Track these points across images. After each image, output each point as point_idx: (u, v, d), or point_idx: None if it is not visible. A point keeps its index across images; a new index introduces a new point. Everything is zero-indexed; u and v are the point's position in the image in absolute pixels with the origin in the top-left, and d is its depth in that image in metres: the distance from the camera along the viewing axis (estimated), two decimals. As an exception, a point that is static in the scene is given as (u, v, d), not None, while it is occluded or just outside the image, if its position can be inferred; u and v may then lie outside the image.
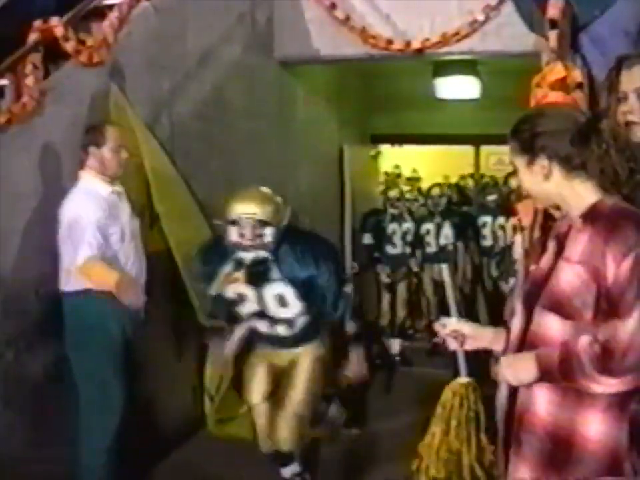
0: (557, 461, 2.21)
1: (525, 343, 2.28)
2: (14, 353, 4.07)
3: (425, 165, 11.43)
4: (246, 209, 4.02)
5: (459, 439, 2.45)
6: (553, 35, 4.11)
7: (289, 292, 4.10)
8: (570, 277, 2.16)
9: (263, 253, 4.03)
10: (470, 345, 2.47)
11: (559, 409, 2.20)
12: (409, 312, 8.13)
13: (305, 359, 4.32)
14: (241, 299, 4.20)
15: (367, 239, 7.95)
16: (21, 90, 4.26)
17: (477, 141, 10.13)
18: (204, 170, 5.68)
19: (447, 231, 7.97)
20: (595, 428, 2.16)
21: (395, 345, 7.75)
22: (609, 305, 2.11)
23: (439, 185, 8.62)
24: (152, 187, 5.01)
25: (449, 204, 8.36)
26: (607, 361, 2.09)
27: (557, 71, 3.90)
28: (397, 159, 11.25)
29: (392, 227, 7.80)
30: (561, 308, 2.19)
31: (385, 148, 10.53)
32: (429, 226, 8.05)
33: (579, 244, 2.18)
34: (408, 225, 7.86)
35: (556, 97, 3.79)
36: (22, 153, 4.22)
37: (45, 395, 4.18)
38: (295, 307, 4.16)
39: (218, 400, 5.62)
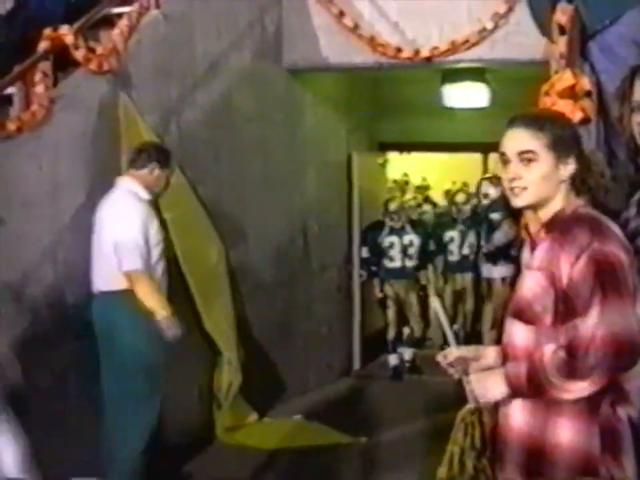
0: (532, 473, 2.21)
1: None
2: (25, 359, 4.07)
3: (433, 172, 11.41)
4: None
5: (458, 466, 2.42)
6: (561, 40, 4.11)
7: None
8: (531, 283, 2.21)
9: None
10: (474, 369, 2.39)
11: (531, 418, 2.20)
12: (424, 322, 8.06)
13: None
14: None
15: (364, 252, 7.88)
16: (30, 98, 4.28)
17: (485, 148, 10.11)
18: (212, 176, 5.69)
19: (471, 240, 7.92)
20: (565, 435, 2.15)
21: (407, 353, 7.73)
22: (566, 307, 2.14)
23: (464, 191, 8.53)
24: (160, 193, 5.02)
25: (474, 211, 8.19)
26: (571, 363, 2.09)
27: (565, 78, 3.90)
28: (405, 166, 11.23)
29: (389, 239, 7.64)
30: (523, 314, 2.23)
31: (393, 155, 10.52)
32: (452, 234, 8.03)
33: (540, 251, 2.23)
34: (410, 237, 7.67)
35: (564, 104, 3.79)
36: (31, 160, 4.23)
37: (56, 399, 4.18)
38: None
39: (227, 408, 5.62)
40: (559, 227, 2.21)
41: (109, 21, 4.97)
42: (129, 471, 4.14)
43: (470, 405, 2.42)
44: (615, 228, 2.21)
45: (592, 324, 2.08)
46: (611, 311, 2.08)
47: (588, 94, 3.90)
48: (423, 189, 10.72)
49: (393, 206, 7.77)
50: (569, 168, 2.25)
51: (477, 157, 10.88)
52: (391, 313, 7.73)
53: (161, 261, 4.35)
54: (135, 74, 4.94)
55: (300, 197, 6.97)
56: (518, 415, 2.24)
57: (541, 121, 2.28)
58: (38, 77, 4.27)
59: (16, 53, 4.44)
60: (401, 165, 11.16)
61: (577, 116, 3.86)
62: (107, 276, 4.21)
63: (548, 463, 2.18)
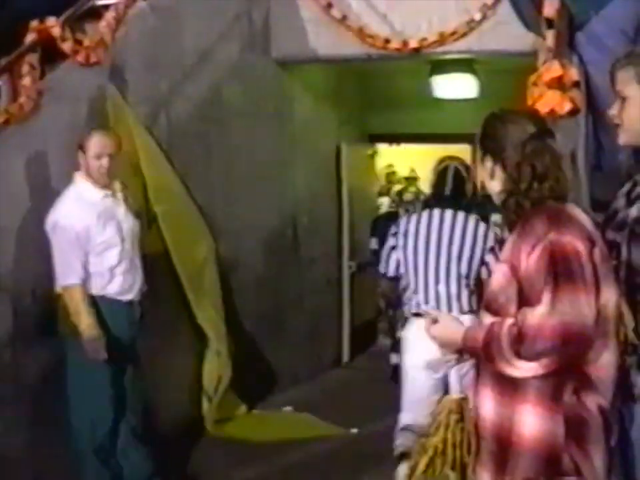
0: (502, 462, 2.24)
1: None
2: (11, 353, 4.06)
3: (423, 164, 11.41)
4: None
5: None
6: (549, 34, 4.12)
7: None
8: (498, 276, 2.28)
9: None
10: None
11: (499, 407, 2.24)
12: None
13: None
14: None
15: (374, 244, 7.66)
16: (17, 90, 4.26)
17: (474, 139, 10.10)
18: (202, 169, 5.68)
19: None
20: (530, 423, 2.18)
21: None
22: (524, 296, 2.18)
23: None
24: (149, 187, 5.01)
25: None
26: (519, 344, 2.12)
27: (553, 69, 3.91)
28: (394, 158, 11.23)
29: None
30: (490, 306, 2.29)
31: (383, 147, 10.51)
32: None
33: (507, 244, 2.30)
34: None
35: (553, 95, 3.80)
36: (19, 153, 4.22)
37: (44, 394, 4.17)
38: None
39: (216, 400, 5.63)
40: (523, 219, 2.26)
41: (96, 13, 4.94)
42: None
43: (453, 395, 2.46)
44: (582, 219, 2.24)
45: (541, 313, 2.11)
46: (562, 301, 2.09)
47: (576, 84, 3.91)
48: (411, 179, 10.72)
49: (408, 196, 7.52)
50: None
51: (466, 147, 10.90)
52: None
53: (122, 263, 4.20)
54: (123, 66, 4.92)
55: (289, 189, 6.97)
56: (487, 405, 2.27)
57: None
58: (25, 69, 4.25)
59: (3, 46, 4.41)
60: (391, 157, 11.16)
61: (565, 107, 3.88)
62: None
63: (514, 452, 2.20)
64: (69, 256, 4.01)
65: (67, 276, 4.02)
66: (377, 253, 7.55)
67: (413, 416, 4.23)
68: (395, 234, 4.42)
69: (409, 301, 4.30)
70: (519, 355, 2.13)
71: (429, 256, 4.22)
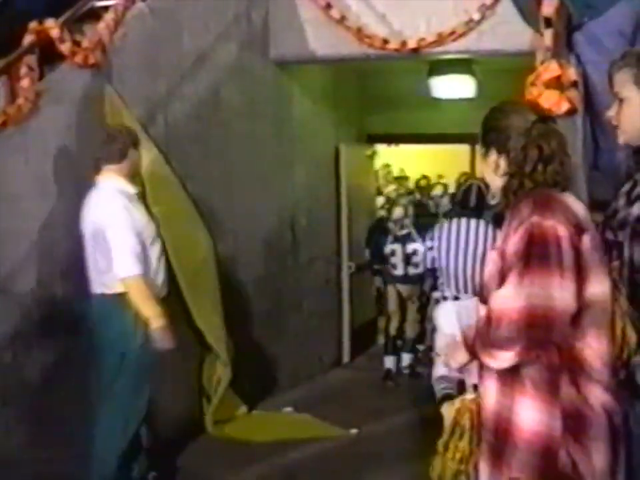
0: (499, 453, 2.21)
1: None
2: (12, 354, 4.07)
3: (421, 164, 11.42)
4: None
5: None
6: (547, 33, 4.12)
7: None
8: (489, 264, 2.27)
9: None
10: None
11: (501, 397, 2.21)
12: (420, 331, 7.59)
13: None
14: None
15: (367, 254, 7.78)
16: (16, 92, 4.25)
17: (473, 139, 10.09)
18: (200, 170, 5.68)
19: None
20: (527, 416, 2.15)
21: (405, 359, 7.38)
22: (503, 279, 2.16)
23: (438, 182, 8.35)
24: (147, 187, 5.00)
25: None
26: (487, 332, 2.12)
27: (551, 69, 3.91)
28: (393, 158, 11.24)
29: (392, 247, 7.22)
30: (482, 296, 2.29)
31: (381, 147, 10.52)
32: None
33: (501, 233, 2.30)
34: (415, 245, 7.12)
35: (551, 95, 3.80)
36: (17, 154, 4.22)
37: (44, 395, 4.18)
38: None
39: (216, 401, 5.63)
40: (512, 204, 2.26)
41: (95, 15, 4.94)
42: (108, 471, 4.10)
43: (468, 395, 2.44)
44: (575, 206, 2.20)
45: (503, 294, 2.10)
46: (532, 284, 2.07)
47: (574, 84, 3.92)
48: (402, 179, 10.71)
49: (397, 212, 7.37)
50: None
51: (464, 147, 10.91)
52: (393, 308, 7.39)
53: (161, 258, 4.31)
54: (122, 67, 4.92)
55: (288, 189, 6.97)
56: (491, 395, 2.25)
57: None
58: (23, 70, 4.25)
59: (1, 47, 4.41)
60: (389, 157, 11.17)
61: (563, 106, 3.88)
62: (106, 279, 4.15)
63: (511, 444, 2.17)
64: (131, 247, 4.03)
65: (130, 267, 4.02)
66: (369, 264, 7.74)
67: (446, 369, 4.53)
68: (432, 238, 5.60)
69: (441, 287, 5.31)
70: (486, 345, 2.12)
71: (458, 255, 5.21)
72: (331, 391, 6.86)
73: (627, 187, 2.50)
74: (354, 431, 5.64)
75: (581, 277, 2.11)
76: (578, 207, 2.21)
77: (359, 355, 8.13)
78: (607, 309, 2.18)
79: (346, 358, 8.07)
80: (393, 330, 7.39)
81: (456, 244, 5.26)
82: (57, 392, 4.17)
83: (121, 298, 4.06)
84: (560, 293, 2.06)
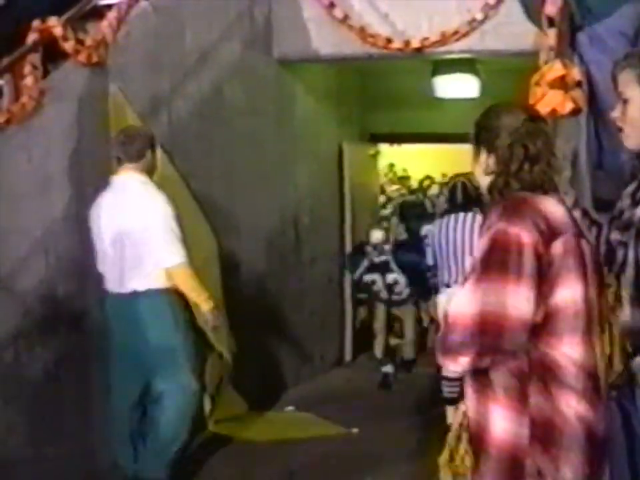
0: (477, 461, 2.20)
1: None
2: (13, 353, 4.07)
3: (424, 164, 11.43)
4: None
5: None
6: (551, 32, 4.11)
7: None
8: (469, 264, 2.25)
9: None
10: None
11: (478, 406, 2.19)
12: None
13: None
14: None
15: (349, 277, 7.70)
16: (19, 90, 4.26)
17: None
18: (203, 168, 5.68)
19: None
20: (498, 424, 2.12)
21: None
22: None
23: (432, 182, 8.38)
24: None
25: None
26: (445, 335, 2.10)
27: (556, 69, 3.90)
28: (396, 157, 11.24)
29: (371, 277, 7.06)
30: None
31: (384, 147, 10.52)
32: (430, 227, 7.65)
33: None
34: (394, 276, 6.95)
35: (555, 95, 3.79)
36: (21, 152, 4.22)
37: (46, 394, 4.18)
38: None
39: (218, 400, 5.62)
40: (487, 210, 2.25)
41: (98, 13, 4.95)
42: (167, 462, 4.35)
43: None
44: (552, 210, 2.15)
45: (456, 301, 2.09)
46: (488, 290, 2.05)
47: (578, 84, 3.90)
48: (404, 179, 10.73)
49: (375, 236, 7.09)
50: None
51: (468, 147, 10.90)
52: (380, 325, 7.27)
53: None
54: (125, 66, 4.92)
55: (291, 188, 6.97)
56: (470, 403, 2.23)
57: None
58: (27, 68, 4.25)
59: (5, 45, 4.41)
60: (392, 156, 11.18)
61: (567, 106, 3.87)
62: (136, 276, 4.20)
63: (485, 451, 2.15)
64: (174, 236, 4.14)
65: (176, 255, 4.15)
66: (354, 294, 7.82)
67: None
68: (427, 236, 5.98)
69: (441, 276, 5.58)
70: (442, 350, 2.10)
71: (449, 248, 5.49)
72: (332, 390, 6.86)
73: (631, 187, 2.49)
74: (355, 430, 5.63)
75: (547, 283, 2.07)
76: (555, 211, 2.16)
77: (360, 354, 8.13)
78: (579, 313, 2.11)
79: (348, 357, 8.07)
80: (379, 352, 7.25)
81: (446, 239, 5.49)
82: (59, 390, 4.17)
83: (163, 292, 4.20)
84: (514, 300, 2.04)
